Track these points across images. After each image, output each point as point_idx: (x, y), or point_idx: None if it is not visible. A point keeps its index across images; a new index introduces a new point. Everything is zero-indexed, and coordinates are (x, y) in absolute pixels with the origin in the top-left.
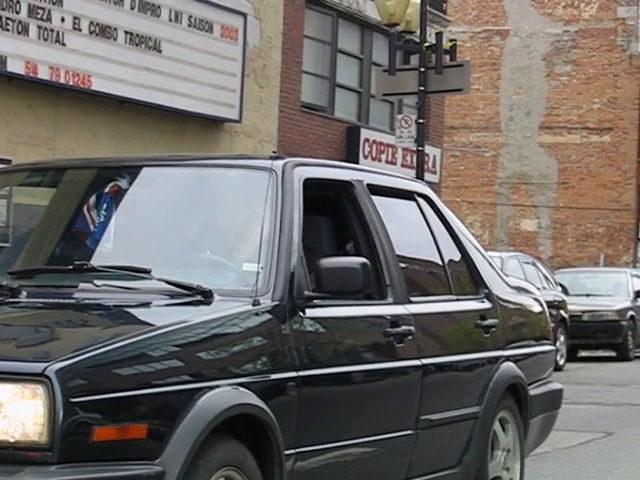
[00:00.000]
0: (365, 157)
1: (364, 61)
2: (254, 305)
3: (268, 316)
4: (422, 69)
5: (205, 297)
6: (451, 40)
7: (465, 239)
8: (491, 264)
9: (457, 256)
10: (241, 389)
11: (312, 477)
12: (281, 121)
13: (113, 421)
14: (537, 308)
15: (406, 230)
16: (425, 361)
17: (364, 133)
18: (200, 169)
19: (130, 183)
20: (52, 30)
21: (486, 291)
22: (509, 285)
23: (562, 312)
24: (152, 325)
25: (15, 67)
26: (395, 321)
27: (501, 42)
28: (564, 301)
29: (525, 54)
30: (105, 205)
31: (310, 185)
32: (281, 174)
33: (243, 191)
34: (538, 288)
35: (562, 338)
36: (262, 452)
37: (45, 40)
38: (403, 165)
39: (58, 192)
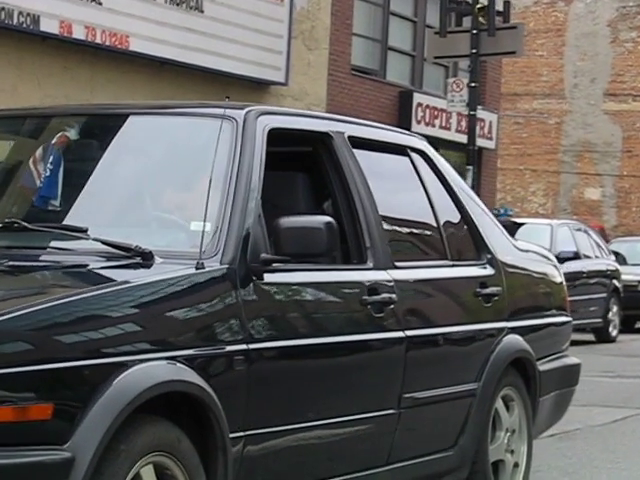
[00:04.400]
0: (418, 122)
1: (417, 24)
2: (197, 269)
3: (213, 281)
4: (474, 31)
5: (144, 259)
6: (506, 1)
7: (467, 200)
8: (499, 228)
9: (456, 218)
10: (175, 364)
11: (268, 463)
12: (330, 84)
13: (9, 400)
14: (552, 276)
15: (395, 188)
16: (409, 333)
17: (417, 97)
18: (154, 117)
19: (80, 134)
20: None
21: (489, 256)
22: (519, 250)
23: (615, 282)
24: (70, 290)
25: (49, 26)
26: (374, 288)
27: (565, 8)
28: (617, 270)
29: (590, 20)
30: (51, 158)
31: (280, 137)
32: (242, 123)
33: (198, 142)
34: (589, 257)
35: (615, 309)
36: (204, 436)
37: None
38: (458, 130)
39: (13, 144)
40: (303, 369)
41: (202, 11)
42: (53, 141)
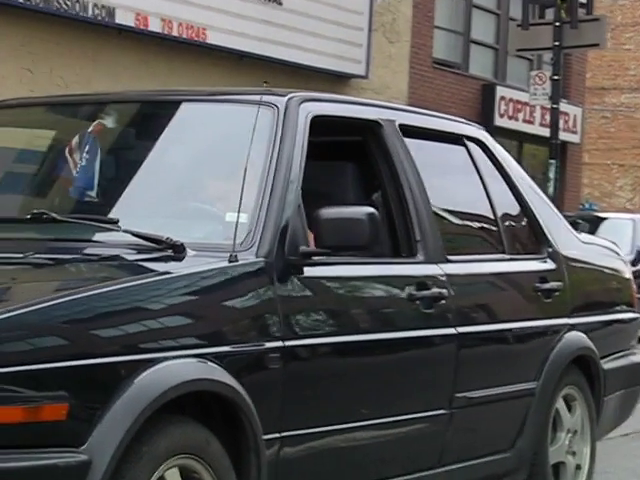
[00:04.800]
0: (501, 116)
1: (501, 16)
2: (230, 262)
3: (247, 275)
4: (557, 23)
5: (175, 252)
6: None
7: (528, 191)
8: (562, 221)
9: (515, 210)
10: (205, 362)
11: (308, 465)
12: (412, 77)
13: (20, 400)
14: (618, 271)
15: (449, 179)
16: (462, 329)
17: (500, 91)
18: (192, 104)
19: (116, 121)
20: None
21: (550, 250)
22: (584, 244)
23: None
24: (92, 283)
25: (125, 19)
26: (423, 282)
27: None
28: None
29: None
30: (87, 147)
31: (326, 125)
32: (283, 110)
33: (238, 130)
34: None
35: None
36: (236, 437)
37: None
38: (541, 124)
39: (54, 133)
40: (345, 368)
41: (281, 3)
42: (89, 129)
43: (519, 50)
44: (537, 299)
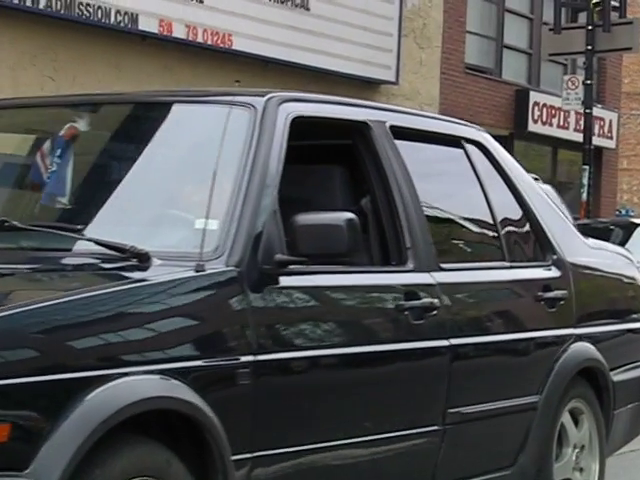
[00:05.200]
0: (535, 121)
1: (534, 21)
2: (197, 271)
3: (215, 285)
4: (589, 27)
5: (141, 261)
6: None
7: (532, 196)
8: (570, 227)
9: (517, 215)
10: (167, 378)
11: None
12: (443, 83)
13: None
14: (630, 278)
15: (445, 183)
16: (455, 341)
17: (534, 96)
18: (168, 106)
19: (89, 124)
20: None
21: (555, 257)
22: (592, 250)
23: None
24: (47, 295)
25: (148, 25)
26: (413, 292)
27: None
28: None
29: None
30: (59, 151)
31: (311, 126)
32: (262, 110)
33: (214, 132)
34: None
35: None
36: (202, 458)
37: None
38: (576, 130)
39: (19, 136)
40: (324, 383)
41: (308, 9)
42: (61, 133)
43: (551, 55)
44: (540, 308)
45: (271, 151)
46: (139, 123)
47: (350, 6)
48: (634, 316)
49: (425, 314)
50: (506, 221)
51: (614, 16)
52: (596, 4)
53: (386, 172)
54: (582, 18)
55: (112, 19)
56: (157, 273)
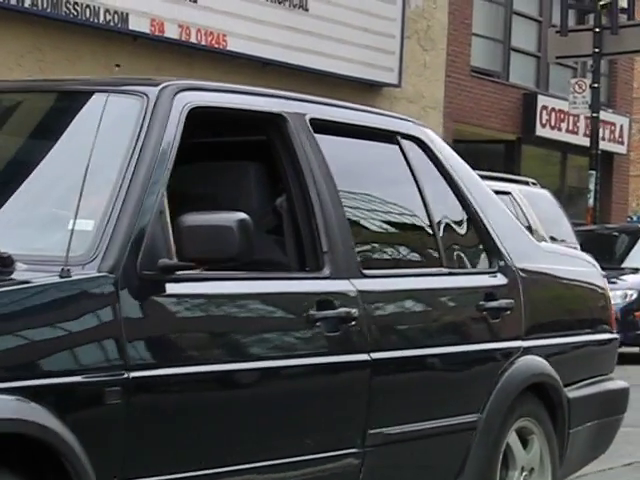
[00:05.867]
0: (543, 126)
1: (543, 23)
2: (61, 277)
3: (81, 293)
4: (597, 29)
5: (3, 265)
6: None
7: (479, 197)
8: (521, 230)
9: (459, 218)
10: (17, 398)
11: None
12: (448, 86)
13: None
14: (591, 284)
15: (375, 182)
16: (377, 355)
17: (542, 100)
18: (56, 96)
19: None
20: None
21: (502, 263)
22: (548, 254)
23: None
24: None
25: (139, 25)
26: (326, 301)
27: None
28: None
29: None
30: None
31: (218, 118)
32: (154, 100)
33: (100, 124)
34: None
35: None
36: None
37: None
38: (586, 135)
39: None
40: (215, 403)
41: (307, 9)
42: None
43: (558, 57)
44: (481, 319)
45: (161, 145)
46: (26, 113)
47: (350, 7)
48: (595, 326)
49: (341, 325)
50: (445, 224)
51: (622, 18)
52: (604, 6)
53: (302, 169)
54: (590, 20)
55: (101, 18)
56: (16, 279)
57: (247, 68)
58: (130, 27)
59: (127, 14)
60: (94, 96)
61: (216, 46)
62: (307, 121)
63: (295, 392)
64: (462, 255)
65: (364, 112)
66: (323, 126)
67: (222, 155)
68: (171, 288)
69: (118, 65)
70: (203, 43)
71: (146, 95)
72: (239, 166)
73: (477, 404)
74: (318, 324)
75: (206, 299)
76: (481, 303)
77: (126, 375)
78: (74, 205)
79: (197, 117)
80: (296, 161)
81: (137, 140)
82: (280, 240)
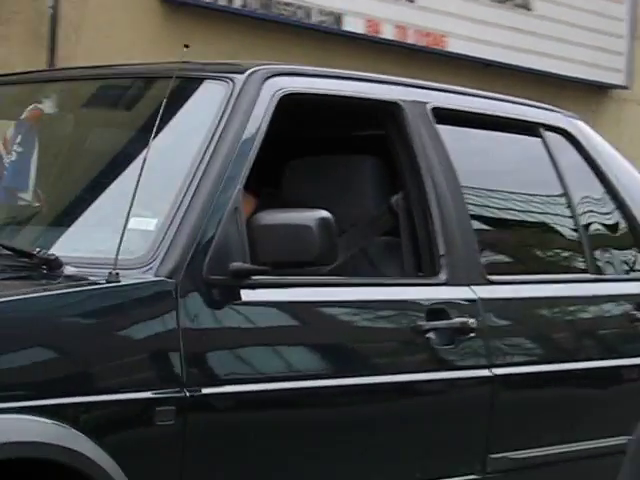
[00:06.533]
0: None
1: None
2: (108, 282)
3: (131, 300)
4: None
5: (50, 268)
6: None
7: (636, 198)
8: None
9: (611, 221)
10: (42, 418)
11: None
12: None
13: None
14: None
15: (510, 179)
16: (500, 371)
17: None
18: (131, 82)
19: (56, 105)
20: None
21: None
22: None
23: None
24: None
25: (353, 25)
26: (439, 310)
27: None
28: None
29: None
30: (20, 137)
31: (322, 108)
32: (240, 86)
33: (180, 112)
34: None
35: None
36: None
37: None
38: None
39: None
40: (295, 425)
41: (530, 9)
42: (23, 116)
43: None
44: (632, 331)
45: (243, 135)
46: (106, 102)
47: (576, 6)
48: None
49: (456, 337)
50: (594, 227)
51: None
52: None
53: (419, 165)
54: None
55: (314, 19)
56: (57, 284)
57: (467, 69)
58: (344, 27)
59: (341, 14)
60: (178, 82)
61: (435, 47)
62: (428, 111)
63: (398, 413)
64: (613, 260)
65: (500, 101)
66: (448, 116)
67: (325, 149)
68: (246, 295)
69: (187, 46)
70: (421, 44)
71: (232, 80)
72: (349, 161)
73: (626, 424)
74: (427, 335)
75: (288, 307)
76: (632, 313)
77: (184, 393)
78: (139, 201)
79: (292, 105)
80: (412, 155)
81: (216, 130)
82: (395, 242)
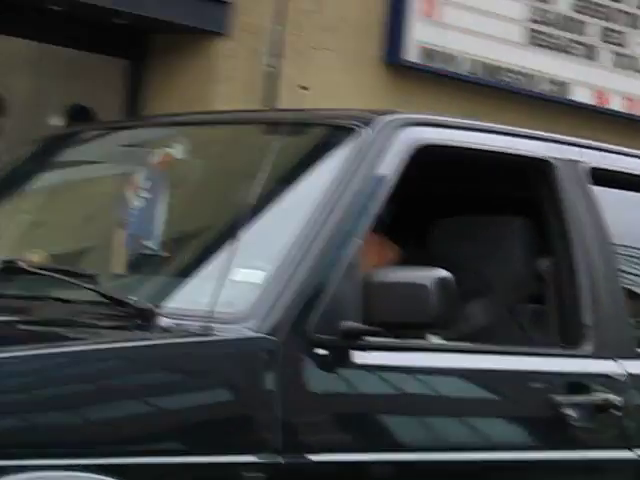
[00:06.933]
0: None
1: None
2: (200, 335)
3: (223, 356)
4: None
5: (144, 318)
6: None
7: None
8: None
9: None
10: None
11: None
12: None
13: None
14: None
15: None
16: None
17: None
18: (265, 129)
19: (186, 151)
20: (628, 56)
21: None
22: None
23: None
24: None
25: (580, 95)
26: (581, 384)
27: None
28: None
29: None
30: (150, 183)
31: (463, 163)
32: (371, 135)
33: (305, 161)
34: None
35: None
36: None
37: (618, 67)
38: None
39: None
40: None
41: None
42: (152, 160)
43: None
44: None
45: (368, 186)
46: (233, 148)
47: None
48: None
49: (598, 414)
50: None
51: None
52: None
53: (569, 228)
54: None
55: (541, 87)
56: (143, 336)
57: None
58: (571, 97)
59: (568, 83)
60: (305, 130)
61: None
62: (586, 171)
63: None
64: None
65: None
66: (606, 178)
67: (465, 206)
68: (357, 357)
69: (305, 88)
70: None
71: (363, 129)
72: (498, 222)
73: None
74: (564, 411)
75: (406, 373)
76: None
77: (276, 459)
78: (251, 252)
79: (429, 157)
80: (561, 216)
81: (340, 180)
82: (542, 310)
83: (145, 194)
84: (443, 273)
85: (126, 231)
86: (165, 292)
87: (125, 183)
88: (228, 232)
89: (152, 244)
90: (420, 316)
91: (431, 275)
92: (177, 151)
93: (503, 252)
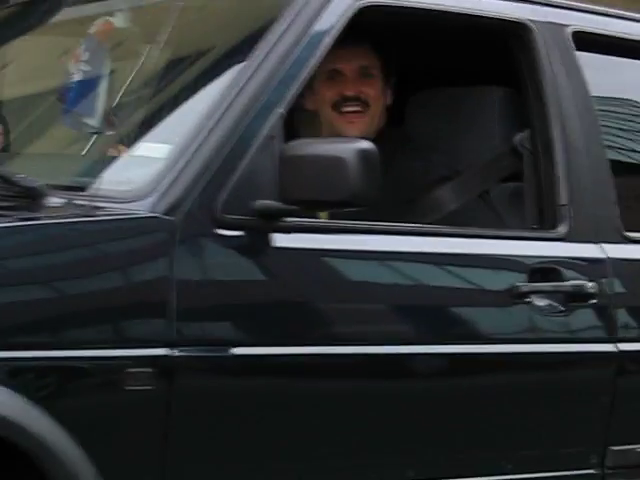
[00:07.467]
0: None
1: None
2: (84, 215)
3: (107, 240)
4: None
5: (32, 198)
6: None
7: None
8: None
9: None
10: None
11: None
12: None
13: None
14: None
15: None
16: (627, 347)
17: None
18: None
19: (130, 20)
20: None
21: None
22: None
23: None
24: None
25: None
26: (550, 269)
27: None
28: None
29: None
30: (87, 55)
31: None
32: None
33: (233, 24)
34: None
35: None
36: None
37: None
38: None
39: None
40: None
41: None
42: (92, 30)
43: None
44: None
45: (292, 54)
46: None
47: None
48: None
49: (570, 304)
50: None
51: None
52: None
53: (546, 98)
54: None
55: None
56: (21, 215)
57: None
58: None
59: None
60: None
61: None
62: (568, 35)
63: (489, 393)
64: None
65: None
66: (594, 42)
67: (440, 79)
68: (277, 239)
69: None
70: None
71: None
72: (478, 93)
73: None
74: (528, 299)
75: (334, 257)
76: None
77: (169, 351)
78: (161, 125)
79: (383, 21)
80: (540, 88)
81: (265, 43)
82: (518, 188)
83: (84, 66)
84: (364, 144)
85: (64, 106)
86: (74, 170)
87: (66, 55)
88: (159, 108)
89: (93, 122)
90: (334, 193)
91: (350, 147)
92: (118, 20)
93: (479, 127)
